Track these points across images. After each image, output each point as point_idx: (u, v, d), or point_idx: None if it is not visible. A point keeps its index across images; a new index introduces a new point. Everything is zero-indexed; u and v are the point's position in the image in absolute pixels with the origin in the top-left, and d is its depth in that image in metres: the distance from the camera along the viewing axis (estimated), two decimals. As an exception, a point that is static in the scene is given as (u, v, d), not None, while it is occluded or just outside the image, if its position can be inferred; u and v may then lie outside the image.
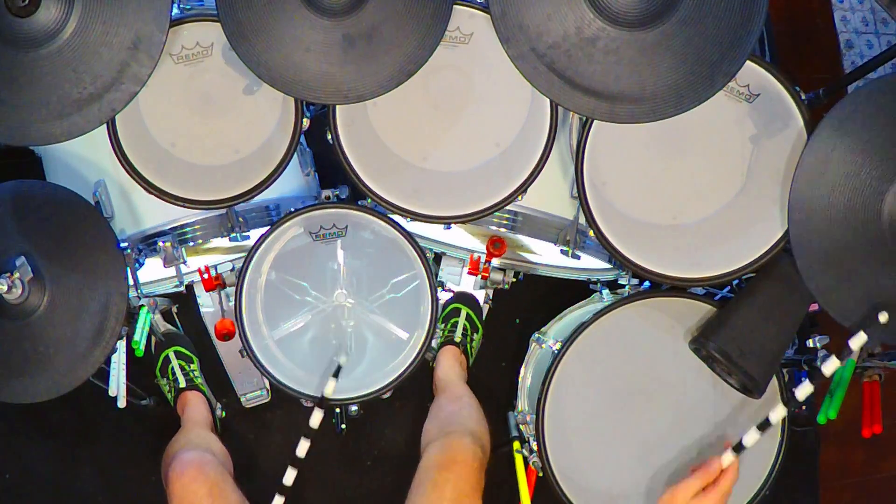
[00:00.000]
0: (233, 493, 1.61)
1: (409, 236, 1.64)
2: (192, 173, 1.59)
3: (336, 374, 1.62)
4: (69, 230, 1.51)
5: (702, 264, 1.59)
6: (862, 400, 1.64)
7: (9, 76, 1.36)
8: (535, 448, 1.67)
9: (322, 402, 1.62)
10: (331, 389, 1.62)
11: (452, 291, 2.07)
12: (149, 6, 1.36)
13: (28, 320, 1.45)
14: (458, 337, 2.01)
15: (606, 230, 1.57)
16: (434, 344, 2.02)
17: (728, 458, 1.46)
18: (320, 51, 1.43)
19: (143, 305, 1.64)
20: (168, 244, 1.62)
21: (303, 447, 1.56)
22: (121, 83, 1.38)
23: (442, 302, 2.05)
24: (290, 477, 1.54)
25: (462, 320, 2.03)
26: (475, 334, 2.06)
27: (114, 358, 1.61)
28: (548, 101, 1.52)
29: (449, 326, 2.03)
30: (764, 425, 1.45)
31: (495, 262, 1.93)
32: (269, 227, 1.63)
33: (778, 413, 1.45)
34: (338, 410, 1.88)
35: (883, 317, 1.39)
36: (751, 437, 1.45)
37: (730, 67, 1.39)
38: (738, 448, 1.46)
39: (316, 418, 1.58)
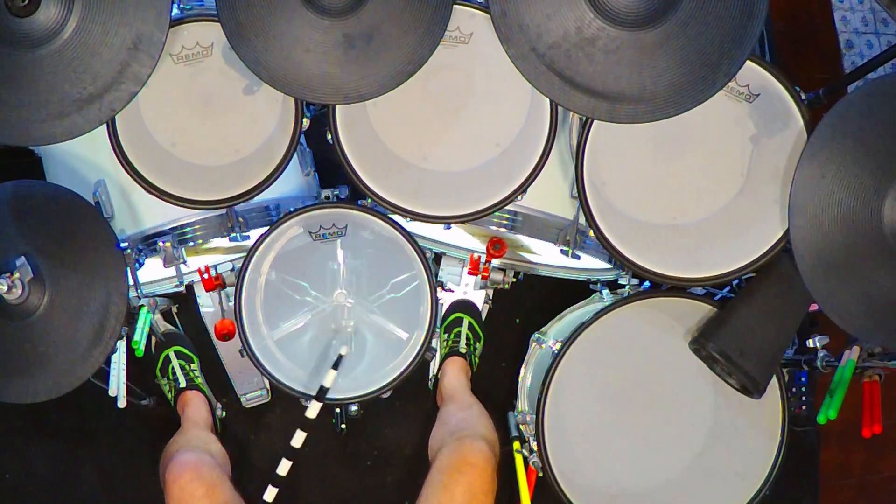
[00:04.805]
0: (230, 495, 1.61)
1: (409, 236, 1.64)
2: (192, 173, 1.59)
3: (336, 366, 1.60)
4: (69, 230, 1.51)
5: (702, 264, 1.59)
6: (862, 400, 1.64)
7: (9, 76, 1.36)
8: (535, 448, 1.67)
9: (321, 393, 1.60)
10: (330, 380, 1.60)
11: (452, 291, 2.07)
12: (149, 6, 1.36)
13: (28, 320, 1.45)
14: (462, 347, 1.99)
15: (606, 230, 1.57)
16: (434, 344, 2.02)
17: None
18: (320, 51, 1.43)
19: (143, 305, 1.64)
20: (168, 244, 1.61)
21: (298, 438, 1.55)
22: (121, 83, 1.38)
23: (442, 305, 2.04)
24: (284, 468, 1.54)
25: (465, 330, 2.01)
26: (477, 343, 2.04)
27: (114, 358, 1.61)
28: (548, 101, 1.52)
29: (452, 336, 2.01)
30: None
31: (495, 262, 1.92)
32: (268, 227, 1.63)
33: None
34: (338, 410, 1.88)
35: None
36: None
37: (730, 67, 1.39)
38: None
39: (313, 409, 1.57)
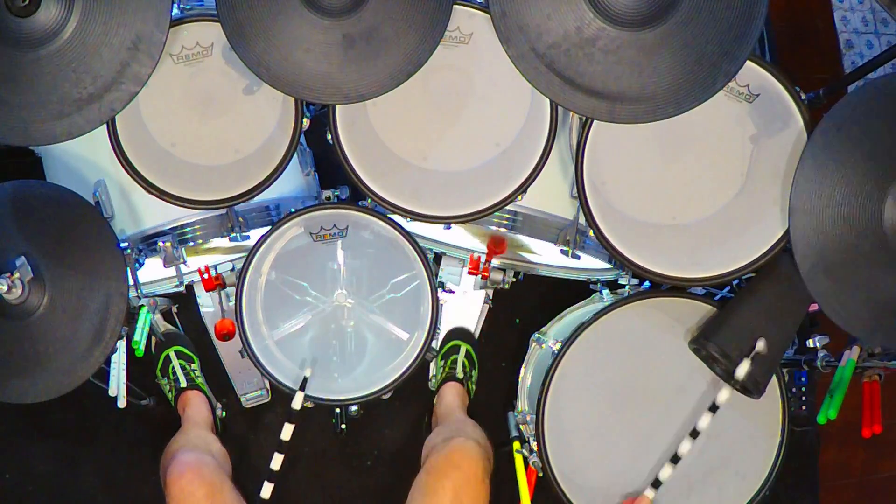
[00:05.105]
0: (231, 495, 1.61)
1: (409, 236, 1.64)
2: (192, 173, 1.59)
3: (303, 387, 1.62)
4: (69, 230, 1.51)
5: (702, 264, 1.59)
6: (862, 400, 1.64)
7: (9, 76, 1.36)
8: (535, 448, 1.67)
9: (291, 416, 1.61)
10: (298, 403, 1.61)
11: (453, 292, 2.06)
12: (149, 6, 1.37)
13: (28, 320, 1.45)
14: (459, 374, 1.99)
15: (606, 230, 1.57)
16: (434, 345, 2.01)
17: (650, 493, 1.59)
18: (320, 51, 1.43)
19: (143, 305, 1.64)
20: (168, 244, 1.61)
21: (287, 431, 1.56)
22: (121, 83, 1.38)
23: (442, 306, 2.03)
24: (276, 461, 1.54)
25: (461, 357, 2.01)
26: (473, 371, 2.04)
27: (114, 358, 1.61)
28: (548, 101, 1.52)
29: (449, 364, 2.01)
30: (713, 408, 1.57)
31: (495, 262, 1.93)
32: (269, 228, 1.63)
33: (723, 394, 1.56)
34: (338, 410, 1.88)
35: (760, 344, 1.51)
36: (704, 421, 1.57)
37: (730, 67, 1.39)
38: (694, 434, 1.57)
39: (286, 432, 1.58)
